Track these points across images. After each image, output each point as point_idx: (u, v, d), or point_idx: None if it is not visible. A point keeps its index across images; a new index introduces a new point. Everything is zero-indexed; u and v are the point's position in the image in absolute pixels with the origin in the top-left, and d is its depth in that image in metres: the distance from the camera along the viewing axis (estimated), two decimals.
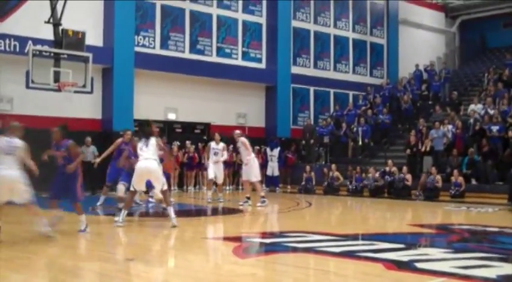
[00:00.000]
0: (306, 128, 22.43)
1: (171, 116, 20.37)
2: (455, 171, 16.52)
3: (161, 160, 9.85)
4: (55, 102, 16.67)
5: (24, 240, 8.08)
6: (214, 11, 21.52)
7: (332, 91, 24.84)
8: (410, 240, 8.86)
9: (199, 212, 13.88)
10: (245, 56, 22.32)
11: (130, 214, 10.36)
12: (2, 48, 16.29)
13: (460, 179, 16.40)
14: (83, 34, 14.65)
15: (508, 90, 20.17)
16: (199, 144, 19.60)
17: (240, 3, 22.20)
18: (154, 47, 19.85)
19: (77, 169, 8.66)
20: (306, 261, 6.91)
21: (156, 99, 19.70)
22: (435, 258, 6.89)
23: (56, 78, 14.35)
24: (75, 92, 14.93)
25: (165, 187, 9.60)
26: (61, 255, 7.16)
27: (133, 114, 18.52)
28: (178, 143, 18.97)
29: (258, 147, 19.34)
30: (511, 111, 18.32)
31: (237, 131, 14.53)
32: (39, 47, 15.05)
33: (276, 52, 22.67)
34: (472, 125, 18.41)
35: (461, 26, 30.17)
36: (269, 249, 7.86)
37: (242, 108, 22.18)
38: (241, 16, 22.28)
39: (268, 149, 20.02)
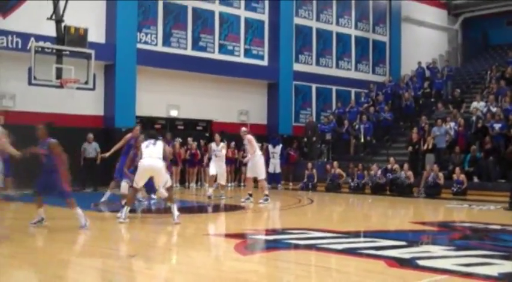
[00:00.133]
0: (308, 125, 22.41)
1: (173, 113, 20.38)
2: (457, 169, 16.52)
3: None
4: (57, 98, 16.70)
5: (24, 236, 8.09)
6: (217, 8, 21.51)
7: (334, 88, 24.83)
8: (412, 238, 8.86)
9: (201, 209, 13.87)
10: (247, 53, 22.31)
11: (133, 211, 10.36)
12: (5, 44, 16.30)
13: (462, 177, 16.39)
14: (85, 31, 14.66)
15: (510, 87, 20.13)
16: (201, 141, 19.62)
17: (242, 0, 22.20)
18: (156, 44, 19.85)
19: (57, 165, 8.48)
20: (308, 258, 6.90)
21: (158, 96, 19.70)
22: (437, 256, 6.88)
23: (58, 75, 14.37)
24: (78, 88, 14.95)
25: (169, 183, 9.60)
26: (63, 251, 7.17)
27: (136, 111, 18.58)
28: (180, 139, 18.97)
29: (260, 144, 19.30)
30: None
31: (244, 129, 14.32)
32: (41, 43, 15.03)
33: (278, 49, 22.64)
34: (475, 122, 18.40)
35: (463, 24, 30.12)
36: (271, 246, 7.85)
37: (244, 105, 22.18)
38: (243, 13, 22.26)
39: (270, 146, 19.98)
